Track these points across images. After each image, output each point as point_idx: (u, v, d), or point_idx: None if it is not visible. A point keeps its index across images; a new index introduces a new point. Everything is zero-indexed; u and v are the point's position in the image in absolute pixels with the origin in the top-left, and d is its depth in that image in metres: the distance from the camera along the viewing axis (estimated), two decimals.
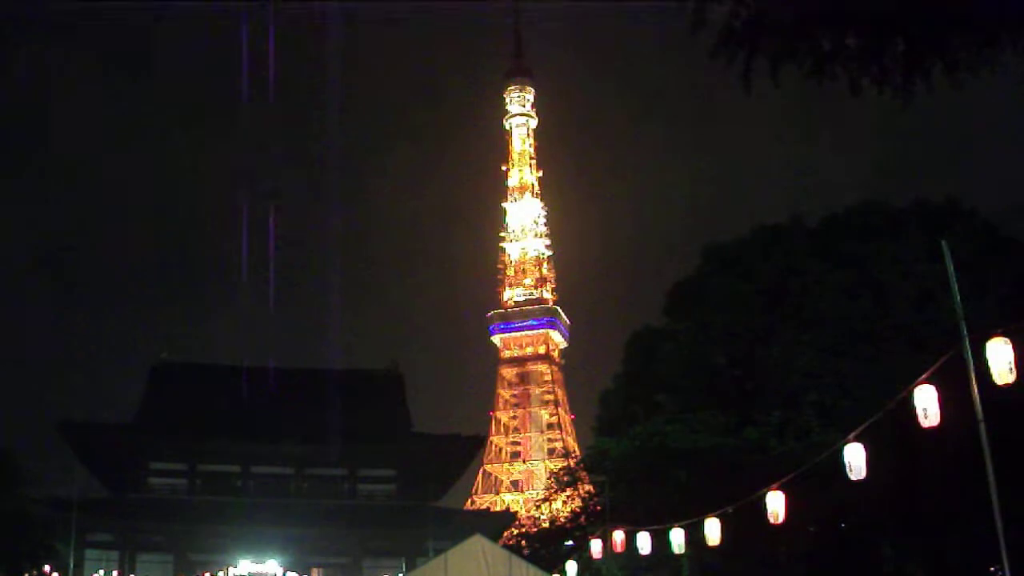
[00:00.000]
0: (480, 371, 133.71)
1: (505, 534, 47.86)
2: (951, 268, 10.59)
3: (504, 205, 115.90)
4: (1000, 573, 10.93)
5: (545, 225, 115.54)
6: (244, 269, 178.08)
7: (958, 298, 10.31)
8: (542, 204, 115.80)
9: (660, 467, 24.27)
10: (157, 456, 53.72)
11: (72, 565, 38.13)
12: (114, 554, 49.04)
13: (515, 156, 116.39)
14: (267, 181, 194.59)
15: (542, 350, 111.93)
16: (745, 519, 15.26)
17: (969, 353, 9.87)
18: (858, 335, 25.21)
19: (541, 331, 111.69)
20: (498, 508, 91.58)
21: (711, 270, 31.99)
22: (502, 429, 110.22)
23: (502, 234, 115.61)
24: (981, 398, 9.78)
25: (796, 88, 5.85)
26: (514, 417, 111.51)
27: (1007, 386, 9.30)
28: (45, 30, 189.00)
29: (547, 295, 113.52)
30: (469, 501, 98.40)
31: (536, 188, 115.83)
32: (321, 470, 55.52)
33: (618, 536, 21.00)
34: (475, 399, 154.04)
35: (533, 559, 33.41)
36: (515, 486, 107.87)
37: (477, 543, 26.60)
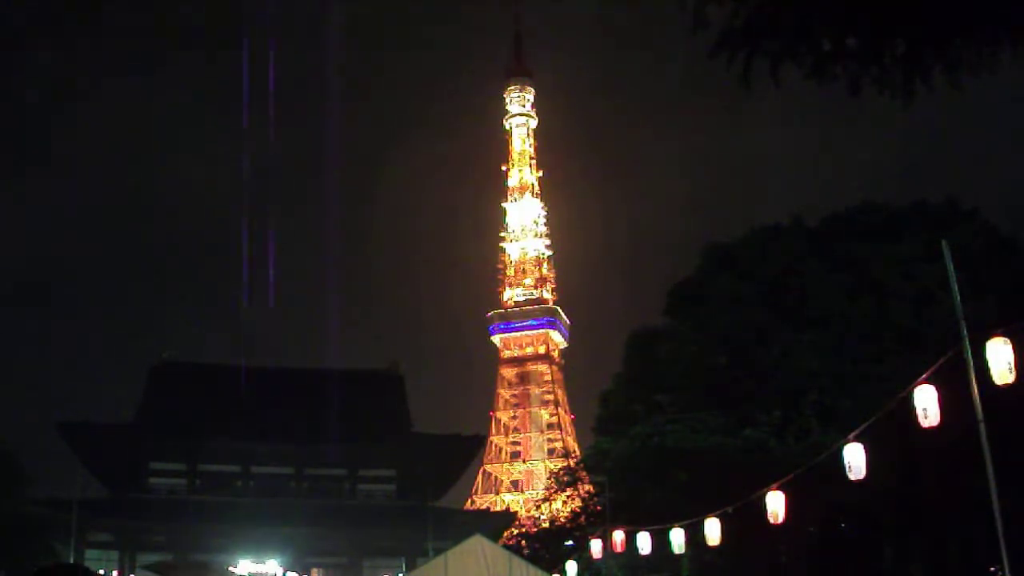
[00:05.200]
0: (480, 371, 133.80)
1: (505, 534, 47.87)
2: (951, 268, 10.60)
3: (504, 205, 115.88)
4: (1000, 573, 10.92)
5: (545, 225, 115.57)
6: (244, 269, 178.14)
7: (958, 298, 10.31)
8: (542, 204, 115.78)
9: (660, 467, 24.27)
10: (157, 456, 53.69)
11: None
12: (114, 554, 49.04)
13: (515, 156, 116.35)
14: (268, 181, 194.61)
15: (542, 350, 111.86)
16: (745, 519, 15.27)
17: (969, 353, 9.87)
18: (858, 335, 25.21)
19: (541, 331, 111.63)
20: (498, 508, 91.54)
21: (711, 270, 31.98)
22: (502, 429, 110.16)
23: (502, 234, 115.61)
24: (981, 398, 9.78)
25: (797, 88, 5.86)
26: (514, 417, 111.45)
27: (1007, 386, 9.30)
28: (46, 30, 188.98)
29: (547, 295, 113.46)
30: (469, 501, 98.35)
31: (536, 188, 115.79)
32: (321, 470, 55.50)
33: (618, 536, 21.01)
34: (475, 399, 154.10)
35: (533, 559, 33.41)
36: (515, 486, 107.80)
37: (477, 543, 26.60)
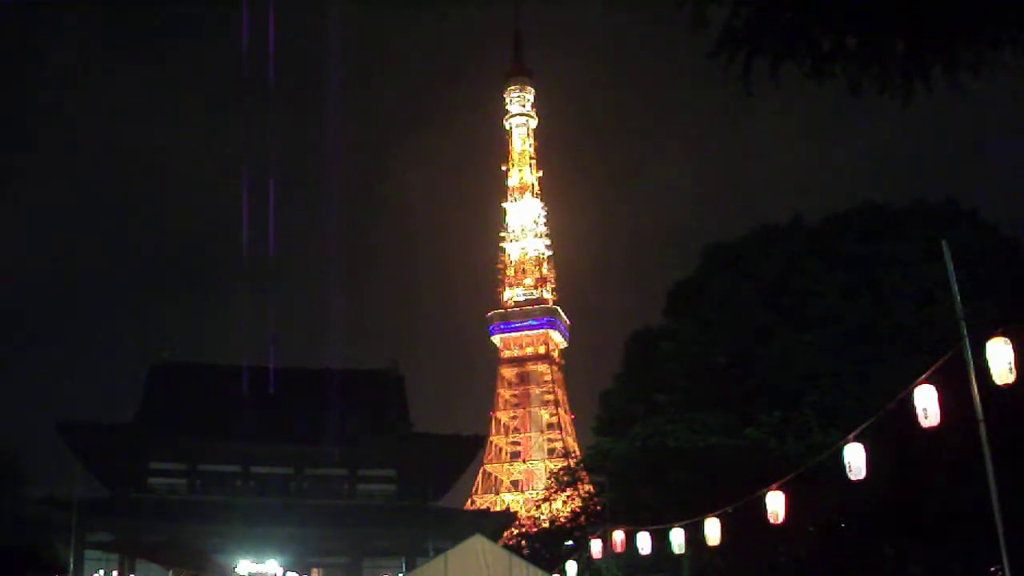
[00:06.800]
0: (480, 371, 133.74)
1: (505, 534, 47.87)
2: (951, 268, 10.59)
3: (504, 205, 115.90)
4: (1000, 573, 10.92)
5: (545, 225, 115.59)
6: (244, 268, 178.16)
7: (958, 298, 10.31)
8: (542, 204, 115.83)
9: (660, 467, 24.27)
10: (157, 456, 53.69)
11: (72, 565, 38.11)
12: (114, 554, 49.01)
13: (515, 156, 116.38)
14: (268, 182, 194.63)
15: (542, 350, 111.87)
16: (745, 519, 15.27)
17: (969, 353, 9.87)
18: (858, 335, 25.21)
19: (541, 331, 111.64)
20: (498, 508, 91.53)
21: (711, 270, 32.04)
22: (502, 429, 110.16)
23: (502, 234, 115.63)
24: (981, 398, 9.78)
25: (798, 88, 5.85)
26: (514, 417, 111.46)
27: (1007, 386, 9.29)
28: (45, 22, 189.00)
29: (547, 295, 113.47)
30: (469, 501, 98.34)
31: (536, 188, 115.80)
32: (321, 470, 55.48)
33: (618, 536, 21.00)
34: (475, 399, 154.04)
35: (533, 559, 33.43)
36: (515, 486, 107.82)
37: (477, 543, 26.64)
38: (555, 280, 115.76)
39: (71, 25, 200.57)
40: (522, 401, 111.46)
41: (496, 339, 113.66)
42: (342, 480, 56.52)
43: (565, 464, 51.26)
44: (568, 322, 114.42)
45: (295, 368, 61.03)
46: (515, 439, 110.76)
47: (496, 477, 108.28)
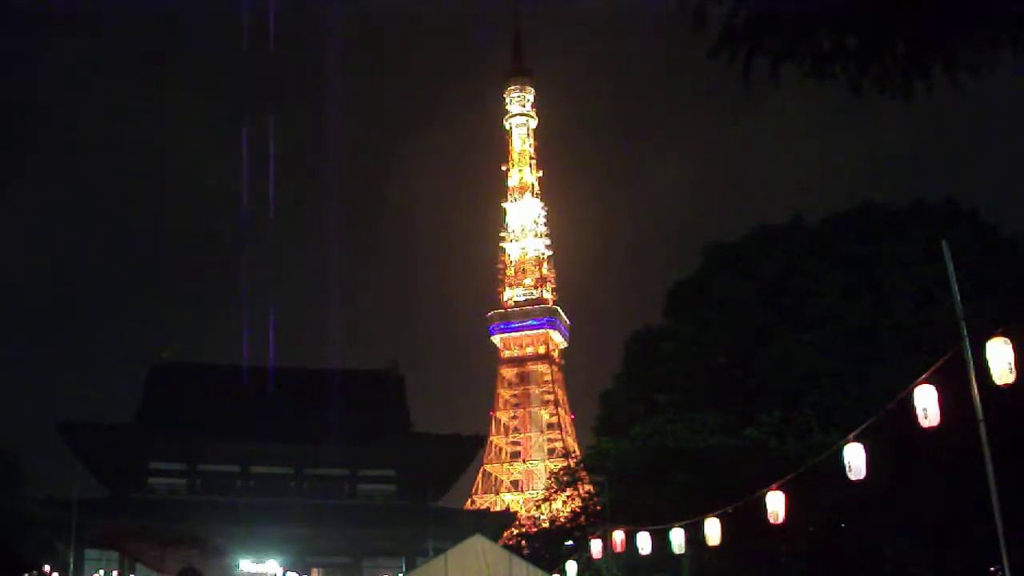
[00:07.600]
0: (480, 371, 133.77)
1: (505, 534, 47.91)
2: (951, 268, 10.59)
3: (504, 205, 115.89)
4: (1000, 573, 10.92)
5: (545, 225, 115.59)
6: (244, 270, 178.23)
7: (958, 298, 10.31)
8: (542, 204, 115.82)
9: (660, 467, 24.27)
10: (157, 456, 53.73)
11: (72, 565, 38.11)
12: (114, 554, 49.03)
13: (515, 156, 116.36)
14: (269, 182, 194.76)
15: (542, 350, 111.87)
16: (745, 519, 15.26)
17: (969, 353, 9.87)
18: (858, 335, 25.21)
19: (541, 331, 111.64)
20: (498, 508, 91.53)
21: (712, 270, 32.05)
22: (502, 429, 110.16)
23: (502, 234, 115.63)
24: (981, 398, 9.78)
25: (798, 88, 5.85)
26: (514, 417, 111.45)
27: (1007, 386, 9.29)
28: (44, 22, 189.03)
29: (547, 295, 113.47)
30: (469, 501, 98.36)
31: (536, 188, 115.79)
32: (321, 470, 55.52)
33: (618, 536, 21.00)
34: (475, 399, 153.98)
35: (533, 559, 33.46)
36: (515, 486, 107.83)
37: (477, 543, 26.66)
38: (555, 280, 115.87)
39: (71, 25, 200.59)
40: (522, 401, 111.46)
41: (496, 339, 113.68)
42: (342, 480, 56.55)
43: (565, 464, 51.24)
44: (568, 322, 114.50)
45: (295, 368, 61.07)
46: (515, 439, 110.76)
47: (496, 477, 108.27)
